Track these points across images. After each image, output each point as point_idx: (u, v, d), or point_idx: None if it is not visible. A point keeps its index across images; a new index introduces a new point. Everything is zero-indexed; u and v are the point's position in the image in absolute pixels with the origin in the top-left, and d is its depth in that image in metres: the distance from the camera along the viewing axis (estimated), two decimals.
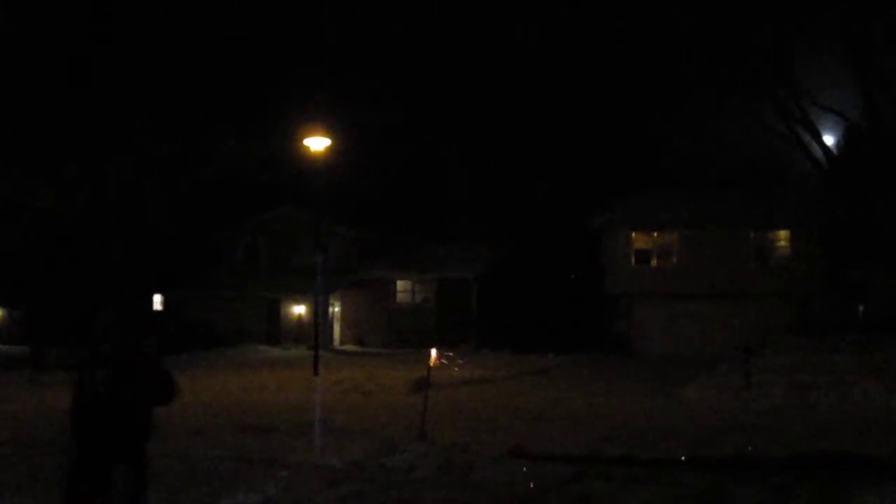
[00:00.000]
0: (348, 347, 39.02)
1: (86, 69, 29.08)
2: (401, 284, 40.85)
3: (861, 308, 34.92)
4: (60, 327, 34.15)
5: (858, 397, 17.60)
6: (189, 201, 34.08)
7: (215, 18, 32.65)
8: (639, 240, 37.61)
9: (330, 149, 26.93)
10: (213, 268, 42.22)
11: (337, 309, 40.71)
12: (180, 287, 40.71)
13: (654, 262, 37.41)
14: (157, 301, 42.09)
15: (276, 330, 39.38)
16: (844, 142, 34.22)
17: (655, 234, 37.57)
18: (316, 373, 24.38)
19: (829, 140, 33.16)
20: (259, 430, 14.23)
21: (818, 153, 31.75)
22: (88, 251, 32.85)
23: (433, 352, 14.62)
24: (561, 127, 42.87)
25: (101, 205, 30.66)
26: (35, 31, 28.24)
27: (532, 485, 10.30)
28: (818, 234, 34.88)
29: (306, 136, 26.66)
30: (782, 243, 36.53)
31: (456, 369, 21.49)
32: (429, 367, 14.53)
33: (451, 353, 15.26)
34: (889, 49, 27.92)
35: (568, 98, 42.14)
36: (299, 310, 39.48)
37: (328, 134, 26.72)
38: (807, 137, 31.34)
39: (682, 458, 11.84)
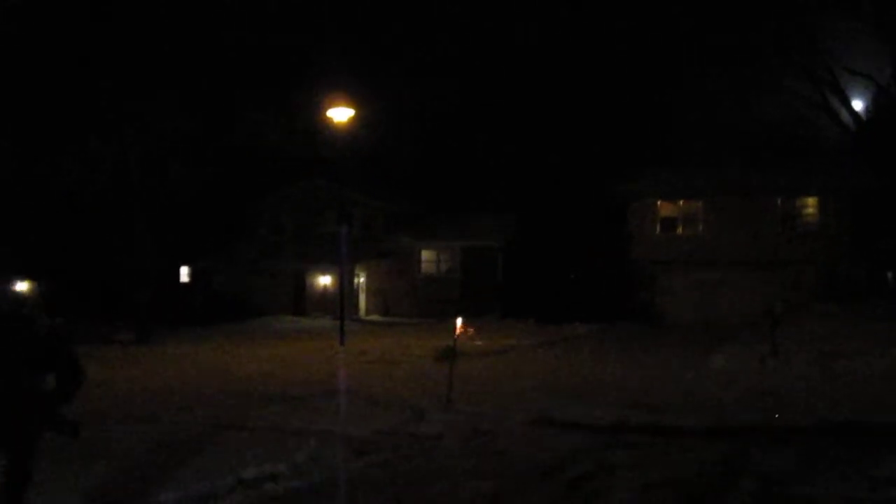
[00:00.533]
0: (374, 317, 39.24)
1: (107, 40, 29.12)
2: (426, 254, 40.94)
3: (889, 275, 34.61)
4: (88, 300, 34.60)
5: (886, 365, 17.48)
6: (214, 173, 34.21)
7: None
8: (664, 208, 37.40)
9: (353, 119, 27.08)
10: (240, 239, 42.49)
11: (362, 279, 40.89)
12: (207, 259, 41.04)
13: (679, 231, 37.21)
14: (185, 272, 42.47)
15: (302, 300, 39.65)
16: (874, 107, 33.75)
17: (681, 203, 37.31)
18: (342, 343, 24.62)
19: (857, 105, 32.72)
20: (286, 399, 14.38)
21: (847, 118, 31.33)
22: (114, 224, 33.13)
23: (458, 321, 14.67)
24: (587, 95, 42.57)
25: (126, 178, 30.83)
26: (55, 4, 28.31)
27: (558, 453, 10.37)
28: (846, 200, 34.52)
29: (331, 106, 26.78)
30: (810, 210, 36.19)
31: (479, 342, 21.56)
32: (454, 337, 14.60)
33: (471, 329, 15.24)
34: None
35: (594, 66, 41.79)
36: (325, 280, 39.69)
37: (352, 104, 26.81)
38: (835, 102, 30.91)
39: (708, 426, 11.86)
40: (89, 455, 9.55)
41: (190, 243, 40.28)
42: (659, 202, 37.31)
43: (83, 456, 9.44)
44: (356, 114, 26.83)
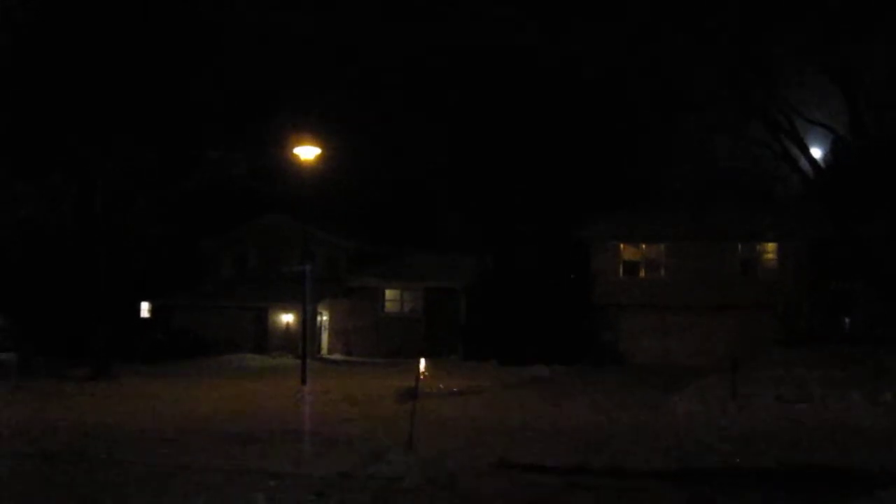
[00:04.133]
0: (336, 356, 38.93)
1: (73, 75, 28.98)
2: (389, 293, 40.80)
3: (847, 320, 35.08)
4: (48, 335, 34.03)
5: (844, 409, 17.67)
6: (177, 209, 33.98)
7: (206, 26, 32.67)
8: (626, 251, 37.70)
9: (319, 158, 27.23)
10: (202, 276, 42.09)
11: (325, 318, 40.64)
12: (168, 295, 40.57)
13: (641, 274, 37.48)
14: (145, 309, 41.94)
15: (263, 338, 39.27)
16: (831, 155, 34.38)
17: (643, 246, 37.65)
18: (304, 382, 24.48)
19: (816, 153, 33.30)
20: (246, 439, 14.19)
21: (805, 166, 31.83)
22: (75, 259, 32.70)
23: (422, 362, 14.63)
24: (550, 138, 42.97)
25: (89, 212, 30.52)
26: (22, 36, 28.16)
27: (520, 496, 10.32)
28: (805, 246, 35.04)
29: (296, 145, 26.87)
30: (769, 255, 36.67)
31: (441, 387, 21.48)
32: (417, 378, 14.54)
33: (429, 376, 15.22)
34: (874, 64, 28.10)
35: (556, 109, 42.23)
36: (287, 318, 39.39)
37: (317, 142, 26.95)
38: (794, 150, 31.41)
39: (670, 469, 11.88)
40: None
41: (151, 279, 39.79)
42: (621, 245, 37.62)
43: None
44: (322, 152, 27.01)
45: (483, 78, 43.08)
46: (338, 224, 41.80)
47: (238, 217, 41.49)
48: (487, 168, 44.13)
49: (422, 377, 14.53)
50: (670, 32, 29.41)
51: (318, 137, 27.22)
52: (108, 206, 30.48)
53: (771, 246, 36.38)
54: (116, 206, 30.64)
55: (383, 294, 40.60)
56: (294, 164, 27.58)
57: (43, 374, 27.27)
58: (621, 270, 37.53)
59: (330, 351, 40.09)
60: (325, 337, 40.55)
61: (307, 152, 26.57)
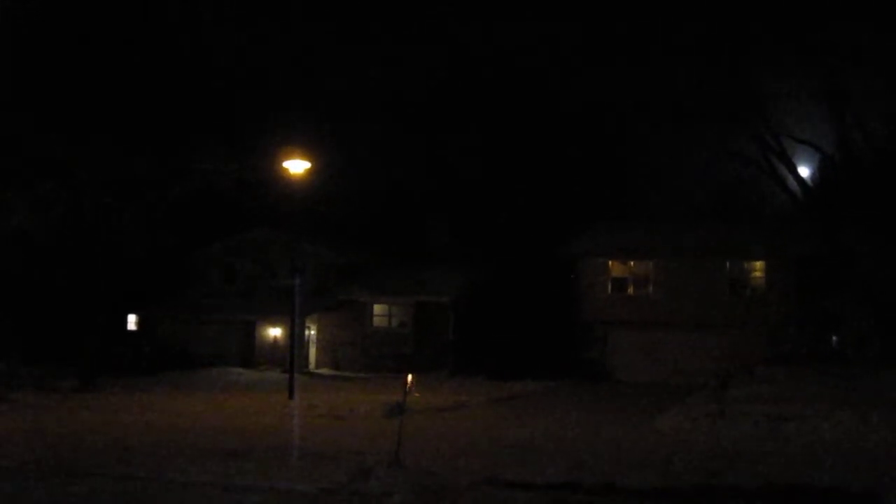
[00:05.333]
0: (324, 371, 38.81)
1: (62, 84, 28.94)
2: (378, 308, 40.73)
3: (834, 339, 35.19)
4: (34, 345, 33.82)
5: (831, 428, 17.68)
6: (165, 220, 33.91)
7: (195, 35, 32.72)
8: (615, 268, 37.79)
9: (309, 171, 27.21)
10: (189, 288, 41.93)
11: (313, 332, 40.52)
12: (155, 307, 40.40)
13: (629, 291, 37.58)
14: (132, 321, 41.74)
15: (250, 352, 39.12)
16: (819, 174, 34.60)
17: (631, 263, 37.74)
18: (291, 396, 24.38)
19: (804, 172, 33.55)
20: (232, 454, 14.09)
21: (793, 185, 32.06)
22: (64, 268, 32.55)
23: (409, 377, 14.56)
24: (539, 154, 43.10)
25: (77, 222, 30.41)
26: (11, 41, 28.12)
27: None
28: (793, 264, 35.19)
29: (286, 157, 26.86)
30: (757, 274, 36.82)
31: (416, 395, 21.38)
32: (405, 393, 14.47)
33: (417, 394, 15.11)
34: (863, 85, 28.35)
35: (547, 124, 42.39)
36: (275, 332, 39.27)
37: (307, 156, 26.95)
38: (782, 169, 31.63)
39: (657, 487, 11.85)
40: None
41: (138, 291, 39.63)
42: (610, 262, 37.71)
43: None
44: (311, 165, 27.02)
45: (472, 95, 43.22)
46: (326, 237, 41.77)
47: (226, 229, 41.40)
48: (477, 183, 44.22)
49: (409, 393, 14.45)
50: (662, 54, 29.65)
51: (308, 151, 27.23)
52: (96, 215, 30.37)
53: (759, 264, 36.54)
54: (105, 216, 30.54)
55: (372, 308, 40.54)
56: (283, 177, 27.56)
57: (29, 386, 27.09)
58: (609, 287, 37.62)
59: (318, 365, 39.97)
60: (312, 351, 40.45)
61: (296, 166, 26.57)
